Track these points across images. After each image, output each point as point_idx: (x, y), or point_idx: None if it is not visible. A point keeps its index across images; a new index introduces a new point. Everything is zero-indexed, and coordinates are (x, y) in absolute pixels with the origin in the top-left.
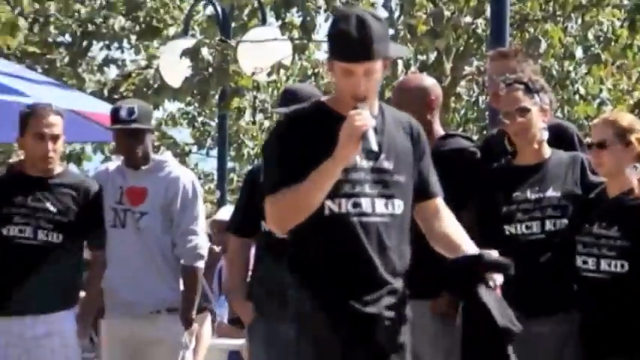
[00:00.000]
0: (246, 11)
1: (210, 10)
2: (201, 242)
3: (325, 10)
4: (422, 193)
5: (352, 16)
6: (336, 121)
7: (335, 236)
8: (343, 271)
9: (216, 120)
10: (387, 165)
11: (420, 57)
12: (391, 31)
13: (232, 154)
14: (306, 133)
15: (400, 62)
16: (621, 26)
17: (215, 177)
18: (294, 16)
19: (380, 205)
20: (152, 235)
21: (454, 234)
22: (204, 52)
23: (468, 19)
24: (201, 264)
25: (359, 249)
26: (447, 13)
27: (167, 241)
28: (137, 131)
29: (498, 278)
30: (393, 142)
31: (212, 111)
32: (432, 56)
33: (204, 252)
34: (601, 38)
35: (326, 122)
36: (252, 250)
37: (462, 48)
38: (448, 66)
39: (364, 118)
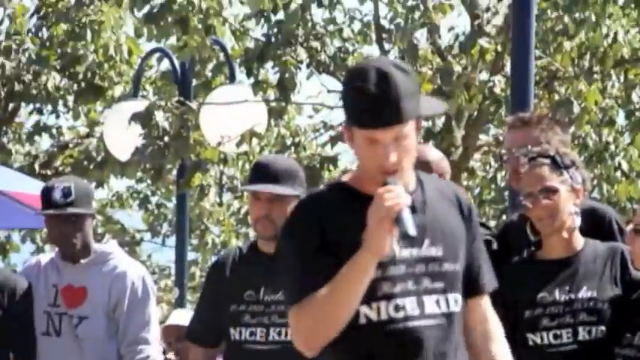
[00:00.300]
0: (210, 66)
1: (165, 64)
2: (154, 354)
3: (308, 65)
4: (470, 286)
5: (370, 70)
6: (363, 203)
7: (376, 351)
8: None
9: (174, 201)
10: (435, 252)
11: (424, 123)
12: None
13: (194, 243)
14: (327, 222)
15: None
16: None
17: (173, 271)
18: (270, 73)
19: (430, 303)
20: (94, 344)
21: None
22: (159, 116)
23: (484, 75)
24: None
25: None
26: (457, 69)
27: (112, 351)
28: (74, 217)
29: None
30: (439, 222)
31: (169, 190)
32: (440, 122)
33: None
34: None
35: (350, 206)
36: None
37: (476, 112)
38: (459, 134)
39: (396, 195)
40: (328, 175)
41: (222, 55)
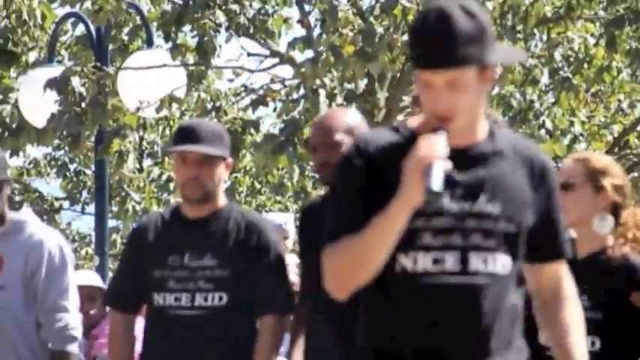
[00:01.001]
0: (127, 30)
1: (80, 29)
2: (73, 321)
3: (227, 29)
4: (540, 251)
5: (432, 11)
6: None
7: (408, 302)
8: (420, 355)
9: (93, 168)
10: (491, 208)
11: (346, 85)
12: (310, 53)
13: (114, 210)
14: (379, 164)
15: (322, 92)
16: (596, 44)
17: (93, 239)
18: (188, 36)
19: (476, 260)
20: (10, 314)
21: (569, 336)
22: (75, 82)
23: (406, 37)
24: (73, 347)
25: (441, 322)
26: (379, 30)
27: (30, 321)
28: None
29: None
30: (502, 178)
31: (87, 157)
32: (362, 84)
33: (77, 332)
34: (571, 59)
35: (405, 150)
36: (140, 326)
37: (398, 74)
38: (382, 96)
39: (432, 146)
40: (250, 139)
41: (138, 19)
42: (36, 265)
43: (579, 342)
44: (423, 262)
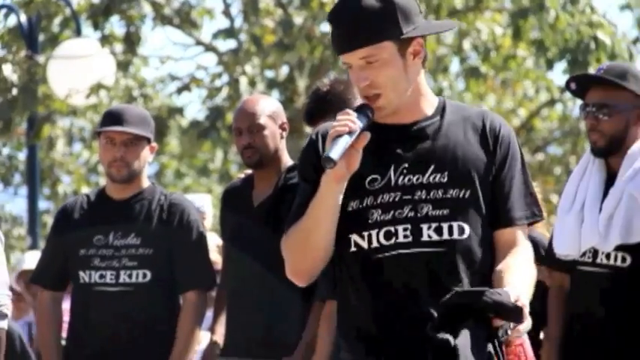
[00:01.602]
0: (57, 21)
1: (12, 20)
2: (3, 299)
3: (153, 19)
4: (495, 217)
5: None
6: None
7: (366, 281)
8: (382, 329)
9: (25, 152)
10: (439, 178)
11: (267, 73)
12: (233, 43)
13: (46, 193)
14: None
15: (244, 79)
16: (503, 34)
17: (25, 220)
18: (116, 27)
19: (429, 231)
20: None
21: (506, 270)
22: (7, 70)
23: (325, 27)
24: (3, 324)
25: (399, 296)
26: (298, 21)
27: None
28: None
29: (521, 327)
30: (451, 148)
31: (19, 142)
32: (283, 72)
33: (7, 309)
34: (479, 48)
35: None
36: (66, 305)
37: (317, 62)
38: (302, 83)
39: (345, 120)
40: (175, 124)
41: (68, 10)
42: None
43: (521, 274)
44: (375, 238)
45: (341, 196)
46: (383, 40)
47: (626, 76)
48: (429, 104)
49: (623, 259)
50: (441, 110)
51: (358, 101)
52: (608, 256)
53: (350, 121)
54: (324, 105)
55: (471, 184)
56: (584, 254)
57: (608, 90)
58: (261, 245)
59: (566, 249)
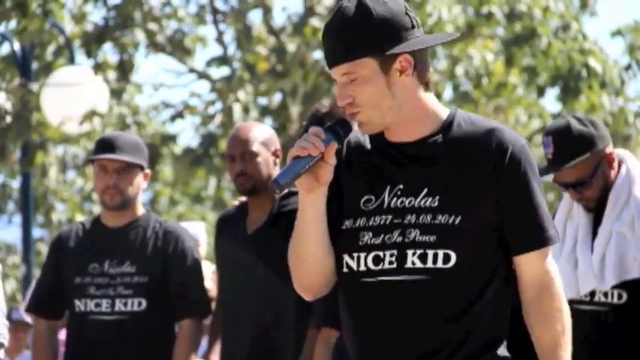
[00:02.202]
0: (51, 49)
1: (6, 48)
2: (1, 328)
3: (146, 47)
4: (510, 243)
5: (340, 6)
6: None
7: (354, 302)
8: (364, 352)
9: (19, 180)
10: (430, 202)
11: (260, 100)
12: (226, 70)
13: (40, 221)
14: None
15: (237, 107)
16: (495, 60)
17: (19, 249)
18: (109, 54)
19: (413, 258)
20: None
21: (537, 326)
22: (1, 97)
23: (317, 54)
24: (0, 353)
25: (381, 320)
26: (291, 48)
27: None
28: None
29: None
30: (448, 170)
31: (13, 169)
32: (276, 99)
33: (4, 339)
34: (471, 75)
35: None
36: (62, 335)
37: (310, 88)
38: (295, 110)
39: (306, 143)
40: (167, 151)
41: (61, 39)
42: None
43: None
44: (364, 261)
45: (321, 207)
46: (362, 57)
47: (580, 142)
48: (434, 120)
49: (619, 296)
50: (446, 127)
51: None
52: (605, 294)
53: (312, 144)
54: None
55: (464, 210)
56: None
57: (575, 166)
58: (255, 270)
59: (565, 293)
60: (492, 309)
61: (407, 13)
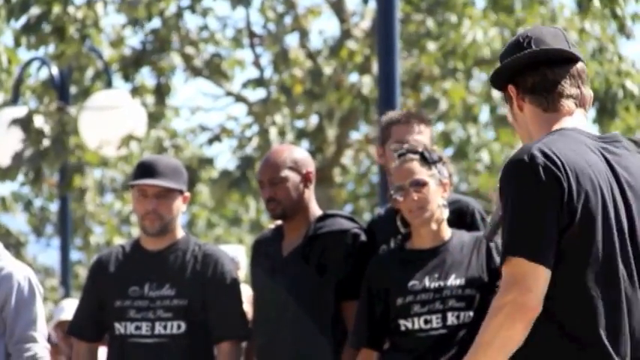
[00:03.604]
0: (89, 73)
1: (45, 72)
2: (41, 351)
3: (184, 70)
4: None
5: None
6: None
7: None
8: None
9: (57, 203)
10: None
11: (297, 123)
12: (263, 92)
13: (78, 244)
14: None
15: (273, 129)
16: None
17: (58, 271)
18: (146, 78)
19: None
20: None
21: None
22: (39, 121)
23: (353, 77)
24: None
25: None
26: (327, 71)
27: (0, 350)
28: None
29: None
30: None
31: (51, 193)
32: (312, 121)
33: None
34: None
35: None
36: (103, 356)
37: (346, 111)
38: (331, 133)
39: None
40: (206, 174)
41: (99, 63)
42: (5, 297)
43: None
44: None
45: None
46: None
47: None
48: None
49: None
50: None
51: None
52: None
53: None
54: None
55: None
56: None
57: None
58: (291, 290)
59: None
60: None
61: (517, 44)
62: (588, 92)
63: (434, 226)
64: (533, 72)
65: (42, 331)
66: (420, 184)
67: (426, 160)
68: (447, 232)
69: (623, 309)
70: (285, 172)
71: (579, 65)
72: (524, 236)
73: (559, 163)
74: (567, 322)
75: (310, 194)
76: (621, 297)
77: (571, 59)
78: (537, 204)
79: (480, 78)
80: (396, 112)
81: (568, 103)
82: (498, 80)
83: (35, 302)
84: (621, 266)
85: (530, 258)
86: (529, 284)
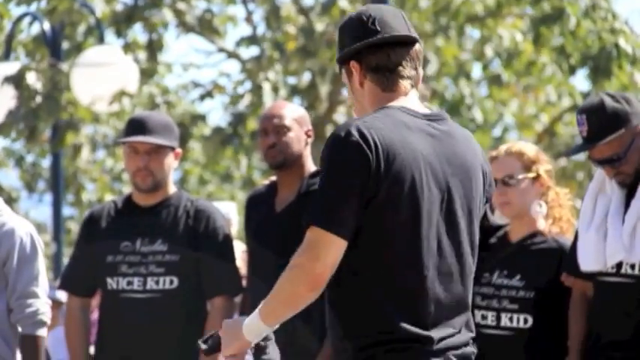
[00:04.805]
0: (81, 29)
1: (36, 28)
2: (43, 306)
3: (176, 26)
4: None
5: None
6: None
7: None
8: None
9: (49, 159)
10: None
11: (289, 79)
12: (256, 50)
13: (70, 200)
14: None
15: (267, 86)
16: (524, 40)
17: (50, 227)
18: (138, 34)
19: None
20: None
21: None
22: (31, 78)
23: None
24: (42, 332)
25: None
26: (319, 28)
27: (1, 306)
28: None
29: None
30: None
31: (43, 149)
32: (305, 78)
33: (47, 318)
34: (502, 55)
35: None
36: (94, 316)
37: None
38: (324, 90)
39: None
40: (198, 131)
41: (91, 19)
42: (7, 253)
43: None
44: None
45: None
46: (341, 66)
47: (614, 118)
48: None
49: None
50: None
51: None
52: (632, 266)
53: None
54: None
55: None
56: None
57: (609, 143)
58: (285, 245)
59: (591, 265)
60: None
61: (361, 24)
62: (421, 72)
63: None
64: (378, 52)
65: (43, 286)
66: None
67: None
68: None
69: (426, 286)
70: (291, 122)
71: (417, 47)
72: (324, 207)
73: (372, 141)
74: (372, 294)
75: (308, 152)
76: (425, 272)
77: (411, 41)
78: (342, 178)
79: (472, 35)
80: None
81: (405, 84)
82: (343, 55)
83: (37, 258)
84: (426, 244)
85: (325, 227)
86: (318, 252)
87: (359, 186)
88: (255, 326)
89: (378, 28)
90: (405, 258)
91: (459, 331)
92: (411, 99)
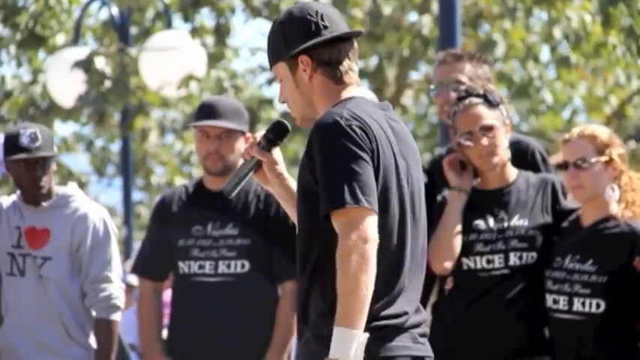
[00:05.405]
0: (149, 14)
1: (104, 13)
2: (116, 291)
3: (243, 10)
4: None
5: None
6: None
7: None
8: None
9: (119, 144)
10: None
11: (360, 63)
12: None
13: (139, 184)
14: None
15: None
16: (593, 21)
17: (120, 211)
18: (206, 19)
19: None
20: (57, 283)
21: None
22: (100, 62)
23: (413, 17)
24: (116, 316)
25: None
26: (387, 11)
27: (76, 291)
28: (43, 160)
29: None
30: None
31: (113, 133)
32: (372, 62)
33: (120, 302)
34: (570, 37)
35: None
36: (167, 296)
37: (406, 52)
38: (391, 73)
39: (249, 144)
40: (265, 115)
41: (160, 4)
42: (81, 238)
43: None
44: None
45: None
46: (276, 62)
47: None
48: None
49: None
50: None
51: None
52: None
53: (247, 152)
54: None
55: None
56: None
57: None
58: None
59: None
60: None
61: (311, 19)
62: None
63: (499, 168)
64: (330, 47)
65: (117, 271)
66: (489, 129)
67: (490, 103)
68: (512, 173)
69: (404, 266)
70: None
71: (355, 43)
72: (349, 187)
73: (364, 124)
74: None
75: None
76: (405, 251)
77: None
78: (354, 157)
79: (540, 17)
80: (457, 49)
81: (354, 76)
82: (287, 51)
83: (110, 243)
84: (409, 230)
85: (360, 204)
86: (365, 231)
87: (370, 160)
88: (347, 339)
89: (327, 24)
90: (394, 239)
91: (420, 310)
92: (364, 90)
